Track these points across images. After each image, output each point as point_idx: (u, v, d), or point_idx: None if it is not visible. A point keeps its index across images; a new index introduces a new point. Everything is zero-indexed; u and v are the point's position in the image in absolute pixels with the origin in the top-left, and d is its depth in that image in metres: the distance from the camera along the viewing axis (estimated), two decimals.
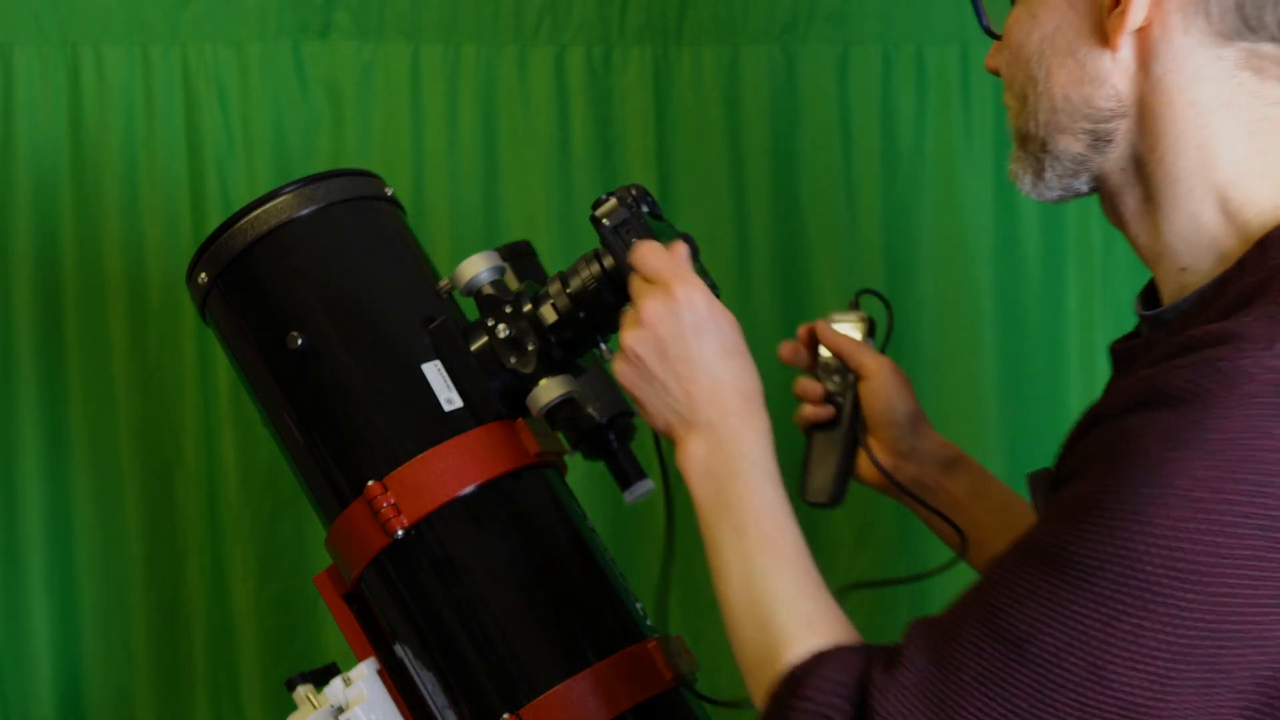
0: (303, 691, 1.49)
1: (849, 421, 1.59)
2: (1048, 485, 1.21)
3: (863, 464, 1.61)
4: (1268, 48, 1.16)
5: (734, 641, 1.24)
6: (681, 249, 1.37)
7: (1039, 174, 1.27)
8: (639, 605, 1.51)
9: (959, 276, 2.18)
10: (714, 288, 1.48)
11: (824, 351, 1.61)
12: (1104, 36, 1.19)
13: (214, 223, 1.68)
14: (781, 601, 1.23)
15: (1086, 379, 2.15)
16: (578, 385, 1.48)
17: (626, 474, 1.57)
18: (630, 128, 2.16)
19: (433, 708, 1.46)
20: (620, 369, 1.34)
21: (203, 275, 1.53)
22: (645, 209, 1.44)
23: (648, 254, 1.34)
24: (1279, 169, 1.18)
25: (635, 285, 1.34)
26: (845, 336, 1.62)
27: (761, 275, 2.17)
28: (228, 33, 2.10)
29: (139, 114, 2.09)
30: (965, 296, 2.18)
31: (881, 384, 1.59)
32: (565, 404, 1.45)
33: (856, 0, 2.17)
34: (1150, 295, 1.28)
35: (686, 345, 1.30)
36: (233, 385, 2.06)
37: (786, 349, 1.62)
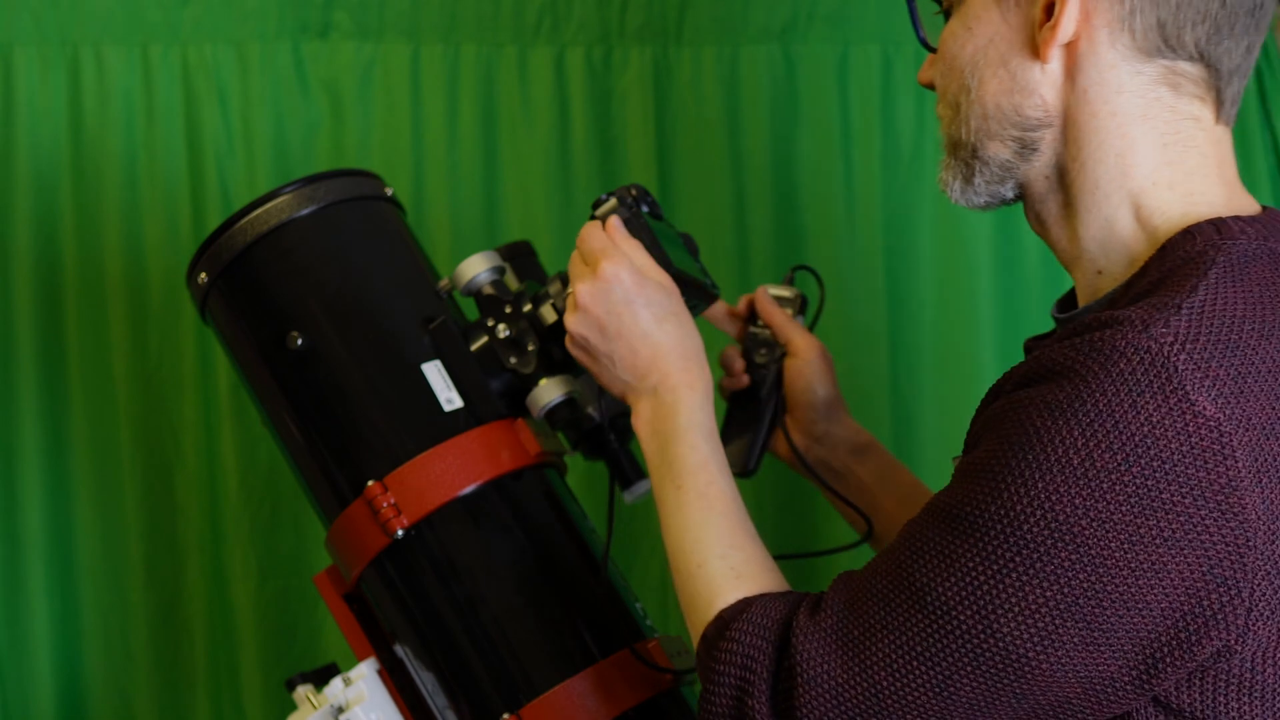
0: (303, 691, 1.49)
1: (769, 396, 1.63)
2: None
3: (778, 440, 1.67)
4: (1185, 66, 1.24)
5: (678, 593, 1.32)
6: (614, 223, 1.43)
7: (968, 180, 1.33)
8: (639, 605, 1.51)
9: (959, 277, 2.18)
10: (713, 287, 1.48)
11: (756, 325, 1.65)
12: (1034, 49, 1.26)
13: (214, 223, 1.68)
14: (711, 552, 1.31)
15: None
16: (578, 385, 1.48)
17: (626, 474, 1.58)
18: (630, 128, 2.16)
19: (433, 708, 1.46)
20: (572, 351, 1.42)
21: (203, 275, 1.53)
22: (645, 209, 1.44)
23: (583, 236, 1.42)
24: (1185, 179, 1.25)
25: (572, 268, 1.42)
26: (781, 311, 1.66)
27: (761, 275, 2.17)
28: (228, 33, 2.10)
29: (139, 114, 2.09)
30: (965, 296, 2.18)
31: (806, 364, 1.65)
32: (565, 404, 1.45)
33: (856, 0, 2.17)
34: (1068, 301, 1.36)
35: (621, 320, 1.39)
36: (233, 385, 2.06)
37: (718, 311, 1.67)
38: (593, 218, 1.43)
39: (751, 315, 1.68)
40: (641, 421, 1.38)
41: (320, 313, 1.49)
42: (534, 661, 1.42)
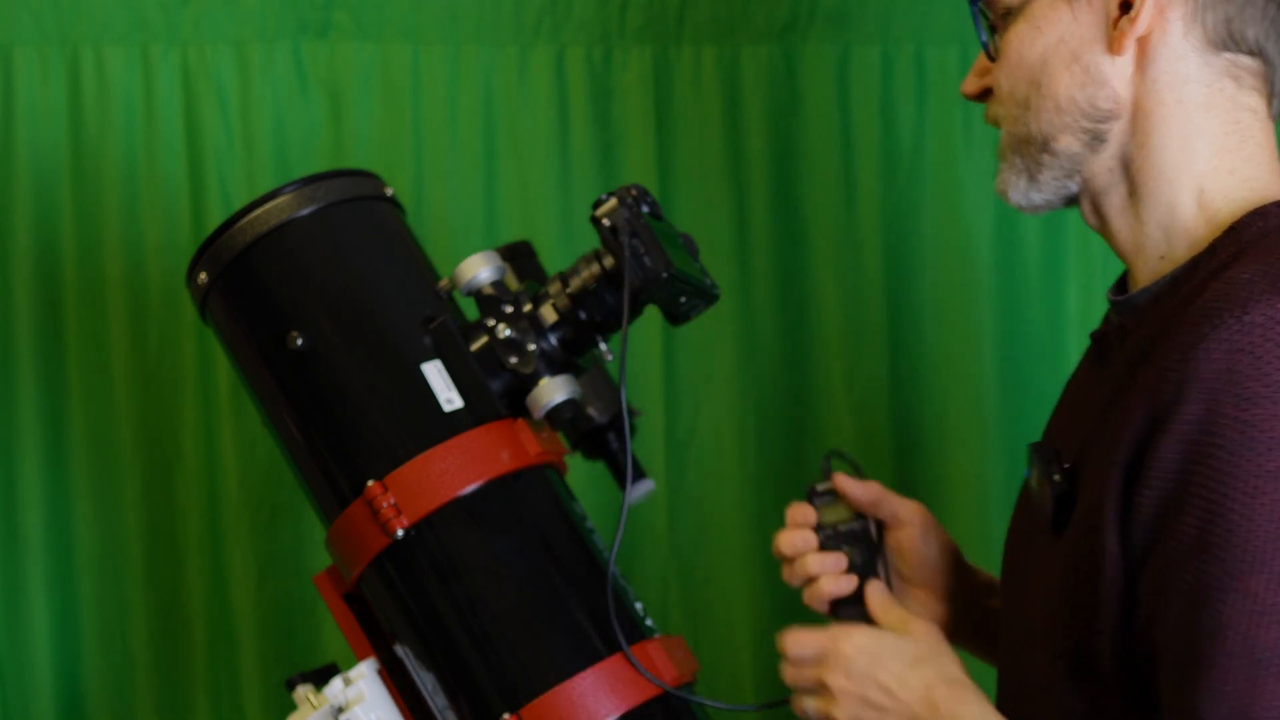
0: (303, 691, 1.49)
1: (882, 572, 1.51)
2: (1054, 459, 1.32)
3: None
4: (1245, 60, 1.33)
5: None
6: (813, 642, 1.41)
7: (1033, 177, 1.39)
8: (639, 605, 1.51)
9: (959, 277, 2.18)
10: (713, 287, 1.48)
11: (827, 518, 1.51)
12: (1108, 43, 1.33)
13: (214, 223, 1.68)
14: None
15: None
16: (578, 386, 1.48)
17: (627, 474, 1.57)
18: (630, 128, 2.16)
19: (433, 708, 1.46)
20: None
21: (203, 275, 1.53)
22: (645, 209, 1.44)
23: (795, 645, 1.40)
24: (1244, 165, 1.32)
25: (802, 675, 1.40)
26: (870, 484, 1.52)
27: (761, 275, 2.17)
28: (228, 33, 2.10)
29: (139, 114, 2.09)
30: (965, 296, 2.18)
31: (918, 529, 1.55)
32: (566, 404, 1.45)
33: (856, 0, 2.17)
34: (1121, 287, 1.41)
35: (879, 684, 1.36)
36: (233, 385, 2.06)
37: (784, 541, 1.51)
38: (593, 218, 1.42)
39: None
40: None
41: (320, 313, 1.49)
42: (534, 661, 1.42)
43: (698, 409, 2.17)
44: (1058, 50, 1.35)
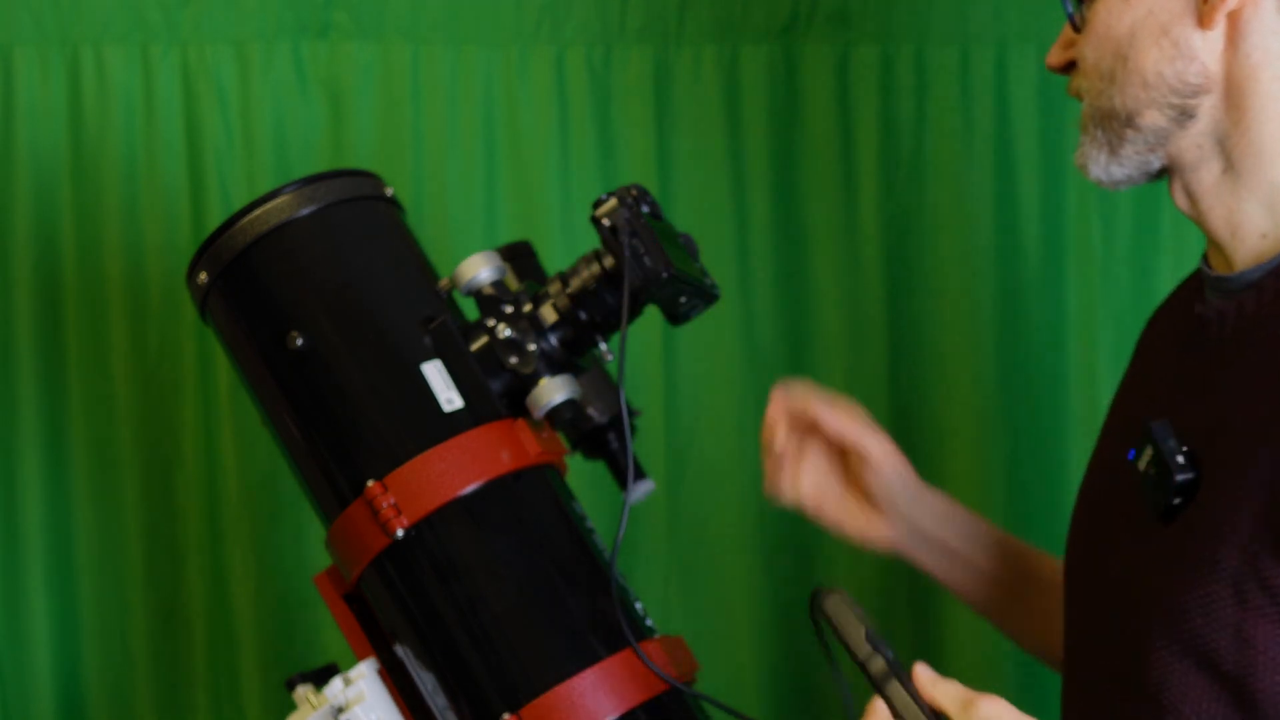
0: (303, 691, 1.49)
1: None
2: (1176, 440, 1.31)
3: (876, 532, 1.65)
4: None
5: None
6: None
7: (1114, 151, 1.37)
8: (639, 605, 1.51)
9: (959, 276, 2.18)
10: (713, 287, 1.48)
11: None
12: (1198, 17, 1.33)
13: (214, 223, 1.68)
14: None
15: (1087, 379, 2.15)
16: (578, 386, 1.48)
17: (627, 474, 1.57)
18: (630, 128, 2.16)
19: (433, 708, 1.46)
20: None
21: (203, 275, 1.53)
22: (645, 209, 1.44)
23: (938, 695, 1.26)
24: None
25: None
26: (840, 416, 1.62)
27: (761, 275, 2.17)
28: (228, 33, 2.10)
29: (139, 114, 2.09)
30: (965, 296, 2.17)
31: (885, 476, 1.62)
32: (566, 404, 1.45)
33: (856, 0, 2.17)
34: (1205, 269, 1.41)
35: None
36: (233, 385, 2.06)
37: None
38: (593, 218, 1.42)
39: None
40: None
41: (320, 313, 1.49)
42: (534, 661, 1.42)
43: (698, 409, 2.17)
44: (1146, 23, 1.34)
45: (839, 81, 2.17)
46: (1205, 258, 1.42)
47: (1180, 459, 1.31)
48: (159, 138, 2.09)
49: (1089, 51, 1.38)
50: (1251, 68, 1.32)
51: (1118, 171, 1.39)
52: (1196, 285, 1.45)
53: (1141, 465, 1.34)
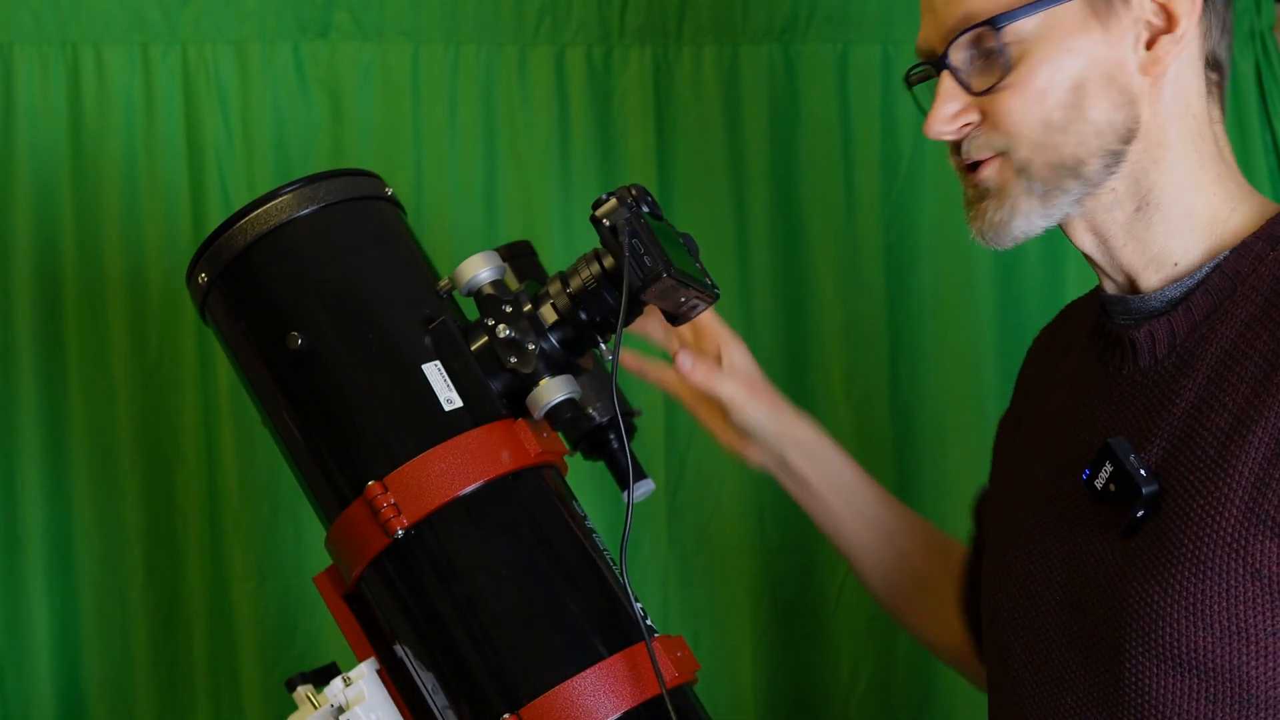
0: (303, 691, 1.49)
1: None
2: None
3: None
4: (1213, 74, 1.41)
5: None
6: None
7: (1050, 202, 1.38)
8: (639, 605, 1.51)
9: (959, 276, 2.18)
10: (714, 287, 1.48)
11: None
12: (1139, 65, 1.36)
13: (214, 223, 1.68)
14: None
15: None
16: (578, 385, 1.48)
17: (626, 474, 1.57)
18: (630, 128, 2.16)
19: (433, 708, 1.46)
20: None
21: (202, 275, 1.53)
22: (645, 209, 1.44)
23: None
24: (1226, 169, 1.42)
25: None
26: (702, 370, 1.69)
27: (761, 275, 2.17)
28: (228, 33, 2.10)
29: (139, 114, 2.09)
30: (965, 296, 2.18)
31: (741, 404, 1.71)
32: (566, 404, 1.45)
33: (856, 0, 2.17)
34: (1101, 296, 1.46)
35: None
36: (233, 385, 2.06)
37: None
38: (593, 218, 1.42)
39: None
40: None
41: (320, 313, 1.49)
42: (534, 661, 1.42)
43: None
44: (1092, 73, 1.35)
45: (839, 81, 2.18)
46: (1100, 284, 1.46)
47: (1144, 473, 1.33)
48: (159, 138, 2.09)
49: (1031, 105, 1.36)
50: (1173, 107, 1.37)
51: (1040, 224, 1.40)
52: (1088, 312, 1.50)
53: (1099, 483, 1.36)
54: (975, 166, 1.43)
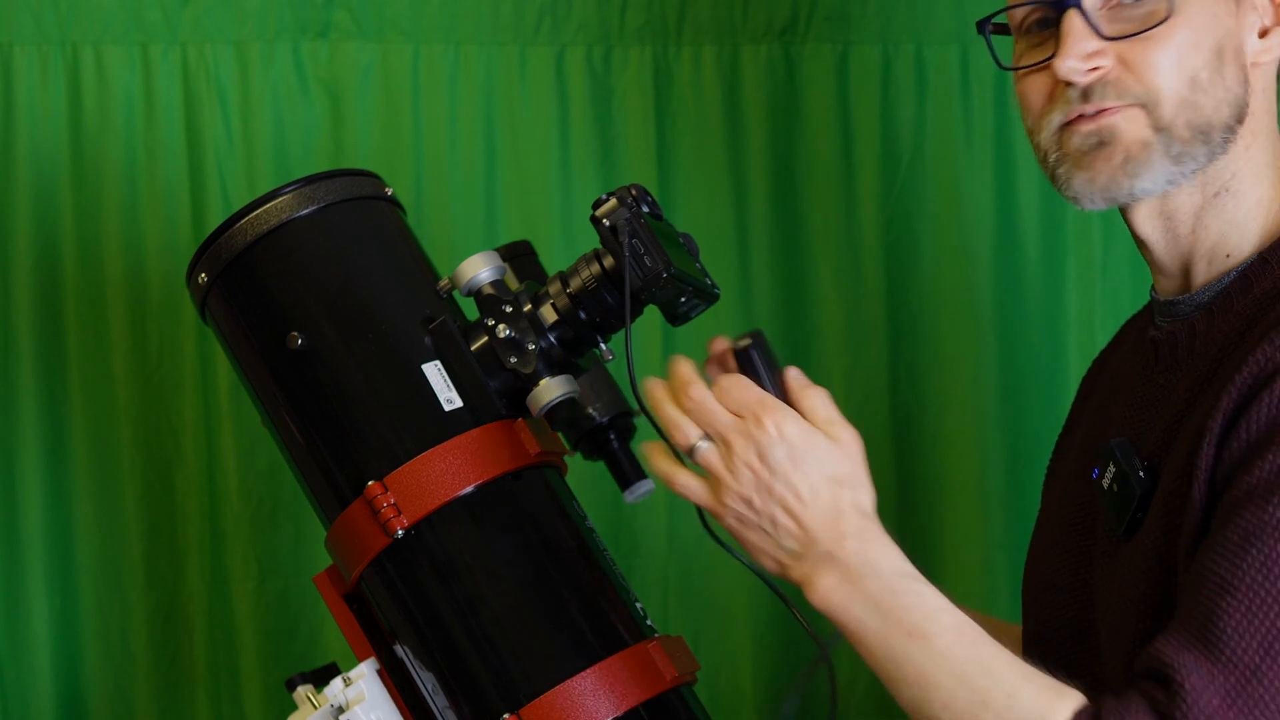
0: (303, 691, 1.49)
1: None
2: (1137, 456, 1.33)
3: None
4: None
5: None
6: (791, 378, 1.31)
7: (1180, 165, 1.35)
8: (639, 605, 1.51)
9: (959, 277, 2.18)
10: (713, 287, 1.48)
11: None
12: (1252, 50, 1.37)
13: (214, 223, 1.68)
14: (1015, 676, 1.23)
15: None
16: (578, 385, 1.47)
17: (626, 474, 1.57)
18: (630, 128, 2.16)
19: (433, 708, 1.46)
20: (723, 519, 1.28)
21: (202, 275, 1.53)
22: (645, 209, 1.44)
23: (730, 387, 1.28)
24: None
25: (715, 423, 1.28)
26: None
27: (761, 275, 2.17)
28: (228, 33, 2.10)
29: (139, 114, 2.09)
30: (965, 296, 2.18)
31: None
32: (565, 404, 1.45)
33: (856, 0, 2.17)
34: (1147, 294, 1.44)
35: (789, 482, 1.25)
36: (233, 385, 2.06)
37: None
38: (593, 218, 1.42)
39: None
40: (828, 594, 1.26)
41: (320, 313, 1.49)
42: (534, 661, 1.42)
43: None
44: (1228, 42, 1.35)
45: (839, 81, 2.18)
46: (1153, 285, 1.44)
47: (1141, 474, 1.32)
48: (159, 138, 2.09)
49: (1174, 58, 1.33)
50: (1262, 99, 1.37)
51: (1162, 187, 1.36)
52: (1149, 312, 1.48)
53: (1105, 483, 1.35)
54: (1085, 116, 1.36)
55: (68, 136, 2.08)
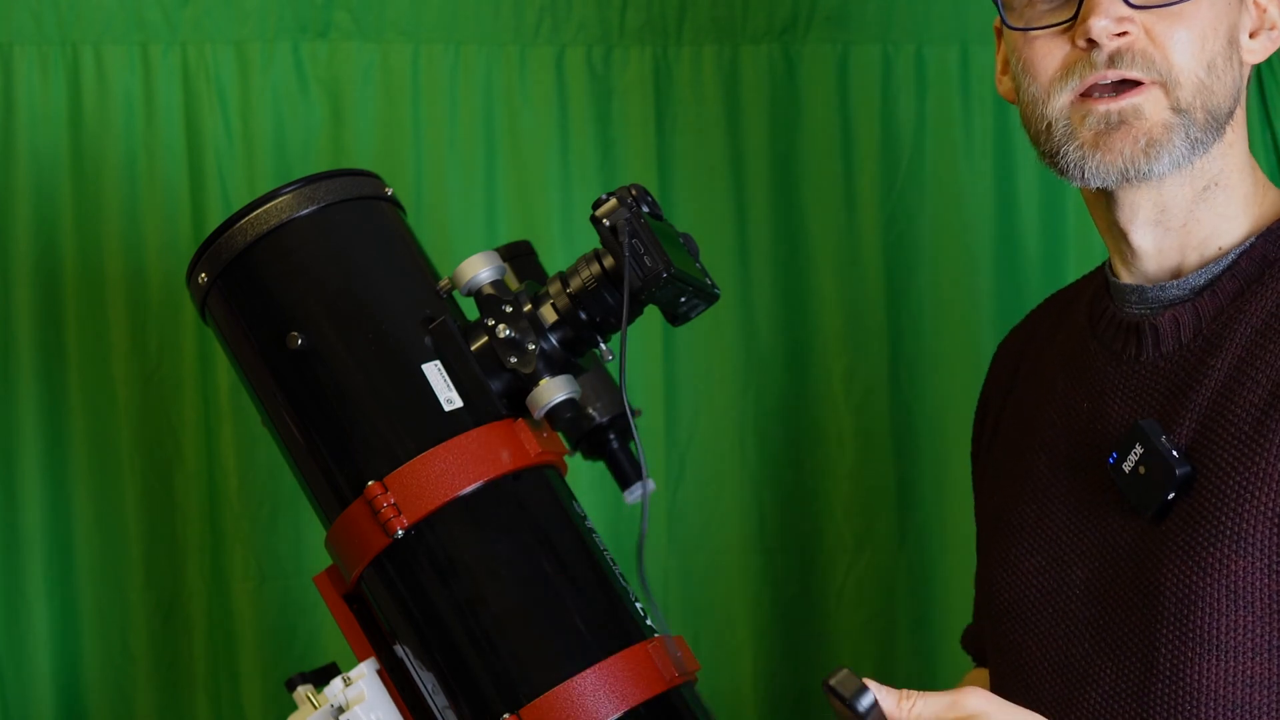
0: (303, 691, 1.49)
1: None
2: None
3: None
4: None
5: None
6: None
7: (1194, 150, 1.36)
8: (639, 605, 1.51)
9: (959, 276, 2.18)
10: (713, 287, 1.48)
11: None
12: (1245, 46, 1.40)
13: (214, 223, 1.68)
14: None
15: None
16: (578, 385, 1.48)
17: (626, 474, 1.58)
18: (630, 128, 2.16)
19: (433, 708, 1.46)
20: None
21: (202, 275, 1.53)
22: (645, 209, 1.44)
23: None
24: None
25: None
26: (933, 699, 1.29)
27: (761, 275, 2.17)
28: (228, 33, 2.10)
29: (139, 114, 2.09)
30: (965, 296, 2.18)
31: None
32: (566, 404, 1.45)
33: (856, 0, 2.17)
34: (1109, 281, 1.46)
35: None
36: (233, 385, 2.07)
37: None
38: (593, 218, 1.42)
39: None
40: None
41: (320, 313, 1.49)
42: (534, 661, 1.42)
43: (698, 409, 2.17)
44: (1236, 33, 1.38)
45: (839, 81, 2.17)
46: (1108, 269, 1.45)
47: (1176, 454, 1.31)
48: (159, 138, 2.09)
49: (1197, 39, 1.33)
50: (1243, 96, 1.40)
51: (1170, 169, 1.35)
52: (1073, 306, 1.50)
53: (1128, 467, 1.34)
54: (1105, 94, 1.35)
55: (68, 136, 2.09)
